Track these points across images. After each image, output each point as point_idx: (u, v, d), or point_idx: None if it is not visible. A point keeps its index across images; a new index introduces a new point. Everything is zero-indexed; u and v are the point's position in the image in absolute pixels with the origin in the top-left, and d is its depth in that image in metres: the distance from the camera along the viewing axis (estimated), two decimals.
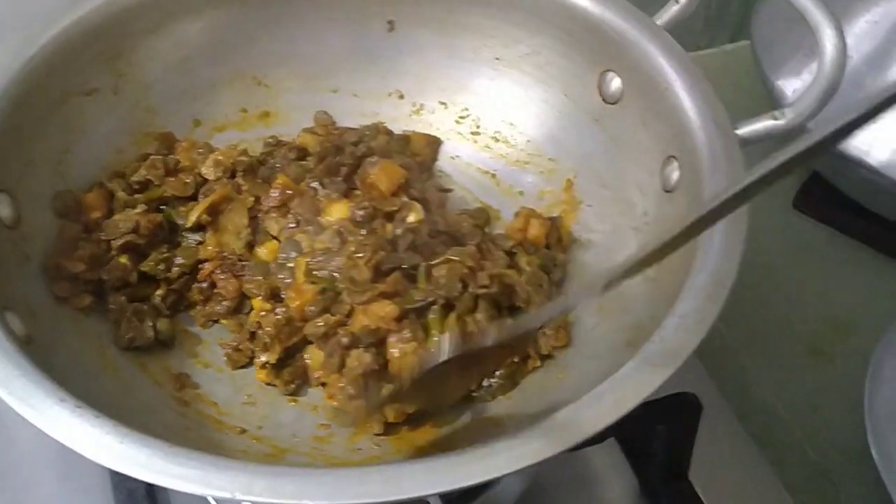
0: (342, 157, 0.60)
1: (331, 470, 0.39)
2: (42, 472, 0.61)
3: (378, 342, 0.53)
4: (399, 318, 0.53)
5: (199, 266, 0.58)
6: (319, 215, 0.57)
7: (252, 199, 0.59)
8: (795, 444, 0.71)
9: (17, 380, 0.41)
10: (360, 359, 0.52)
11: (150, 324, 0.55)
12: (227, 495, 0.37)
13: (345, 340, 0.52)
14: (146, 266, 0.57)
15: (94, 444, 0.39)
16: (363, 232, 0.55)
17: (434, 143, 0.67)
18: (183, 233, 0.59)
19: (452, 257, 0.55)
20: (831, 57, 0.53)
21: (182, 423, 0.50)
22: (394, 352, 0.52)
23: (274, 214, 0.58)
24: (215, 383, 0.55)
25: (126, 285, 0.56)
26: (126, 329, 0.55)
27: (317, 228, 0.56)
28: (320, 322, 0.53)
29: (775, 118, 0.54)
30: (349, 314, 0.53)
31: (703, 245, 0.48)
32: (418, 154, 0.65)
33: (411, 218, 0.57)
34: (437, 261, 0.55)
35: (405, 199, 0.58)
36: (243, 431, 0.52)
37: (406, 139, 0.66)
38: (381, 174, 0.58)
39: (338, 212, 0.57)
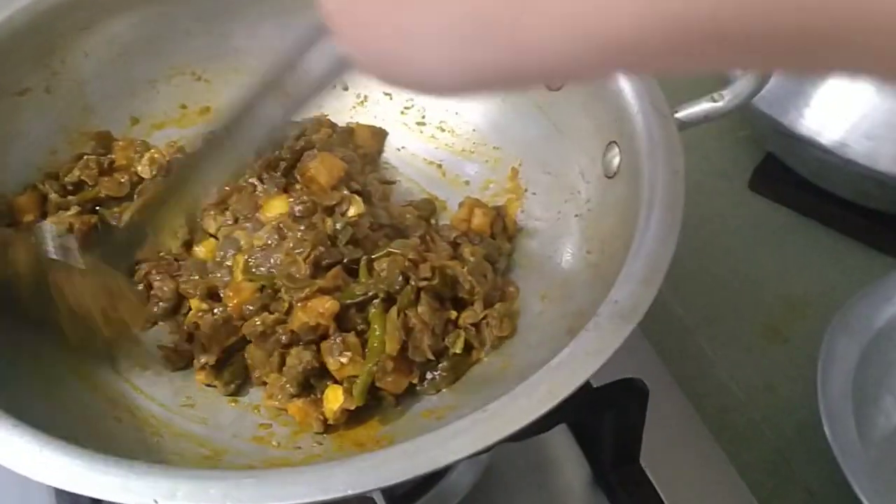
0: (281, 151, 0.59)
1: (256, 471, 0.39)
2: None
3: (318, 339, 0.52)
4: (339, 315, 0.52)
5: (136, 267, 0.57)
6: (258, 211, 0.56)
7: None
8: (751, 423, 0.71)
9: None
10: (300, 356, 0.52)
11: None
12: (148, 502, 0.36)
13: (284, 339, 0.52)
14: None
15: (12, 452, 0.38)
16: (302, 227, 0.55)
17: (379, 135, 0.66)
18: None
19: (394, 250, 0.55)
20: None
21: (118, 429, 0.49)
22: (331, 363, 0.52)
23: (212, 212, 0.57)
24: (153, 386, 0.54)
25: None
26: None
27: (255, 225, 0.56)
28: (258, 321, 0.53)
29: (714, 100, 0.54)
30: (288, 311, 0.53)
31: (639, 230, 0.48)
32: (362, 146, 0.65)
33: (352, 212, 0.56)
34: (378, 254, 0.55)
35: (345, 192, 0.57)
36: (181, 434, 0.51)
37: (350, 132, 0.65)
38: (320, 167, 0.58)
39: (276, 207, 0.56)
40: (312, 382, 0.52)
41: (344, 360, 0.51)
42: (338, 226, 0.55)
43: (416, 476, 0.38)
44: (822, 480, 0.68)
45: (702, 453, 0.63)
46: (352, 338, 0.52)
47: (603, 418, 0.57)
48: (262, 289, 0.54)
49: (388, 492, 0.51)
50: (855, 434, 0.64)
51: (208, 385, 0.54)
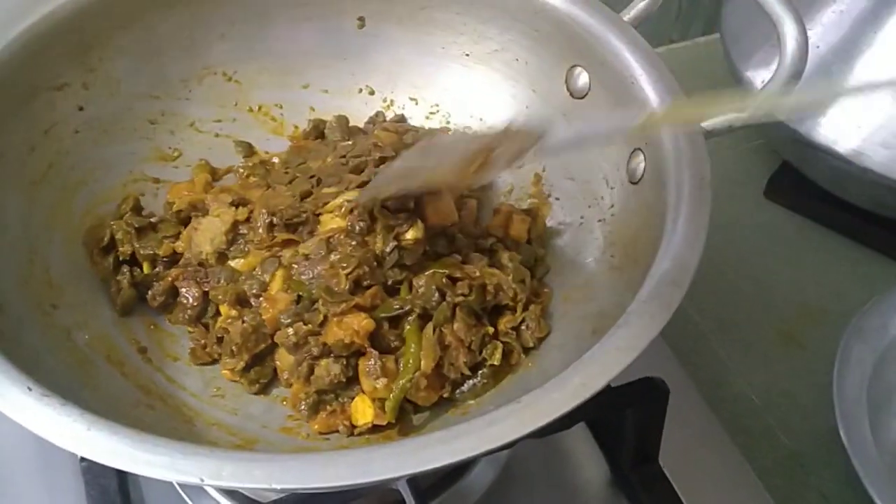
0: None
1: (298, 455, 0.39)
2: (15, 471, 0.61)
3: (350, 355, 0.53)
4: (374, 333, 0.53)
5: (162, 273, 0.58)
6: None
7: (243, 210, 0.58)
8: (767, 429, 0.72)
9: None
10: (329, 369, 0.52)
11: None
12: (195, 480, 0.37)
13: (315, 350, 0.52)
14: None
15: (61, 432, 0.39)
16: (353, 243, 0.54)
17: None
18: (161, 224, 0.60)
19: (438, 270, 0.55)
20: (792, 49, 0.54)
21: (152, 417, 0.50)
22: (366, 384, 0.52)
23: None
24: (184, 376, 0.55)
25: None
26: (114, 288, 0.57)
27: (307, 235, 0.56)
28: (291, 331, 0.53)
29: (738, 110, 0.55)
30: (322, 324, 0.53)
31: (667, 233, 0.49)
32: None
33: (409, 235, 0.55)
34: (421, 275, 0.55)
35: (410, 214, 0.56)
36: (212, 423, 0.52)
37: None
38: (433, 209, 0.56)
39: (334, 222, 0.56)
40: (338, 392, 0.53)
41: (380, 384, 0.52)
42: (387, 248, 0.55)
43: (454, 462, 0.39)
44: (837, 485, 0.68)
45: (719, 454, 0.64)
46: (390, 363, 0.52)
47: (623, 417, 0.58)
48: (298, 300, 0.54)
49: (414, 486, 0.52)
50: (870, 439, 0.65)
51: (233, 381, 0.55)
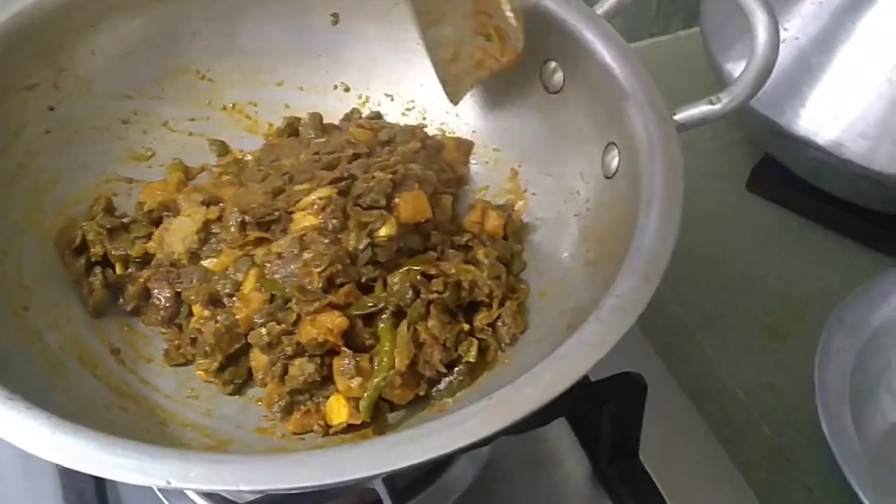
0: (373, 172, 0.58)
1: (267, 456, 0.39)
2: None
3: (324, 353, 0.52)
4: (348, 332, 0.52)
5: (134, 274, 0.58)
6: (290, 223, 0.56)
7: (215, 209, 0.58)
8: (751, 422, 0.72)
9: None
10: (303, 368, 0.52)
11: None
12: (162, 483, 0.37)
13: (289, 350, 0.52)
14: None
15: (26, 435, 0.39)
16: (326, 241, 0.54)
17: (464, 146, 0.65)
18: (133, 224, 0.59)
19: (413, 267, 0.55)
20: (763, 41, 0.54)
21: (124, 419, 0.50)
22: (341, 384, 0.52)
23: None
24: (158, 378, 0.55)
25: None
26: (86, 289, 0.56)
27: (280, 234, 0.55)
28: (265, 331, 0.52)
29: (711, 103, 0.55)
30: (296, 323, 0.53)
31: (639, 227, 0.49)
32: (451, 161, 0.64)
33: (383, 231, 0.55)
34: (396, 272, 0.55)
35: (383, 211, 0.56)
36: (186, 425, 0.52)
37: (439, 146, 0.65)
38: (406, 205, 0.56)
39: (307, 220, 0.55)
40: (313, 391, 0.53)
41: (354, 384, 0.51)
42: (361, 246, 0.54)
43: (426, 460, 0.39)
44: (820, 477, 0.68)
45: (701, 449, 0.64)
46: (365, 362, 0.52)
47: (601, 412, 0.58)
48: (271, 299, 0.53)
49: (390, 485, 0.51)
50: (853, 431, 0.65)
51: (207, 381, 0.55)
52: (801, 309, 0.79)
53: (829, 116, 0.74)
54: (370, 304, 0.53)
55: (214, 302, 0.55)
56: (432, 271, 0.55)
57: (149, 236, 0.58)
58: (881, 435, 0.69)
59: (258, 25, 0.65)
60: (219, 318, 0.54)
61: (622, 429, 0.58)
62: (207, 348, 0.54)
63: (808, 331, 0.75)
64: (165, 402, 0.53)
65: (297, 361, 0.52)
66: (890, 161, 0.72)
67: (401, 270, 0.54)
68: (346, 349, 0.52)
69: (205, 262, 0.57)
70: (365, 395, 0.51)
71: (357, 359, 0.52)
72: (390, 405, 0.53)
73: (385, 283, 0.54)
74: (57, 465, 0.56)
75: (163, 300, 0.57)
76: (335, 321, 0.52)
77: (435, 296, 0.54)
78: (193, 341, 0.55)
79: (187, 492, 0.58)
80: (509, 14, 0.59)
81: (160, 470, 0.38)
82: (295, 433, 0.53)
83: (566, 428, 0.62)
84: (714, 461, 0.63)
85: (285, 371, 0.53)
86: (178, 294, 0.57)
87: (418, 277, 0.54)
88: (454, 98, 0.63)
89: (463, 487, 0.59)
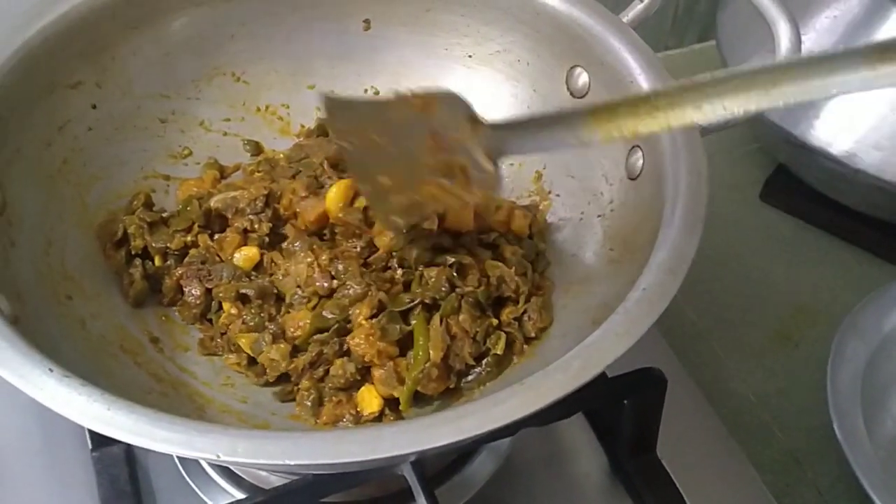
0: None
1: (311, 433, 0.41)
2: (26, 461, 0.62)
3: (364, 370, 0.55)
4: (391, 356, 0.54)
5: (172, 272, 0.59)
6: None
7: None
8: (764, 426, 0.73)
9: (7, 351, 0.42)
10: (345, 368, 0.54)
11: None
12: (211, 456, 0.39)
13: (330, 354, 0.55)
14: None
15: (81, 411, 0.40)
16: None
17: None
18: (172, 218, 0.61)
19: (451, 259, 0.57)
20: (786, 49, 0.56)
21: (165, 403, 0.51)
22: (382, 391, 0.54)
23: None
24: (195, 366, 0.56)
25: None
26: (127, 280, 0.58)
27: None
28: (314, 352, 0.55)
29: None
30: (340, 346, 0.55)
31: (664, 225, 0.50)
32: None
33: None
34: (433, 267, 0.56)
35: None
36: (224, 410, 0.53)
37: None
38: (453, 217, 0.58)
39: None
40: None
41: (396, 392, 0.53)
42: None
43: (462, 439, 0.40)
44: (833, 480, 0.70)
45: (718, 446, 0.65)
46: (402, 366, 0.54)
47: (621, 407, 0.59)
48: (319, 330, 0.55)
49: (420, 471, 0.53)
50: (864, 435, 0.66)
51: (240, 373, 0.57)
52: (813, 316, 0.81)
53: (843, 127, 0.76)
54: (407, 301, 0.55)
55: (242, 298, 0.57)
56: (466, 261, 0.56)
57: (188, 230, 0.60)
58: (892, 439, 0.70)
59: (293, 30, 0.67)
60: (244, 315, 0.56)
61: (641, 424, 0.59)
62: (233, 346, 0.56)
63: (820, 337, 0.76)
64: (203, 388, 0.55)
65: (339, 361, 0.54)
66: None
67: (437, 266, 0.56)
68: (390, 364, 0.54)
69: (237, 256, 0.59)
70: (404, 388, 0.53)
71: (396, 368, 0.54)
72: (423, 398, 0.55)
73: (422, 277, 0.56)
74: (91, 452, 0.58)
75: (194, 297, 0.58)
76: (387, 349, 0.54)
77: (470, 289, 0.55)
78: (223, 335, 0.57)
79: (215, 478, 0.59)
80: (479, 158, 0.51)
81: (210, 444, 0.39)
82: (326, 423, 0.54)
83: (584, 424, 0.64)
84: (730, 459, 0.65)
85: (326, 374, 0.55)
86: (208, 290, 0.58)
87: (454, 273, 0.56)
88: (390, 227, 0.55)
89: (484, 480, 0.60)
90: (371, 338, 0.53)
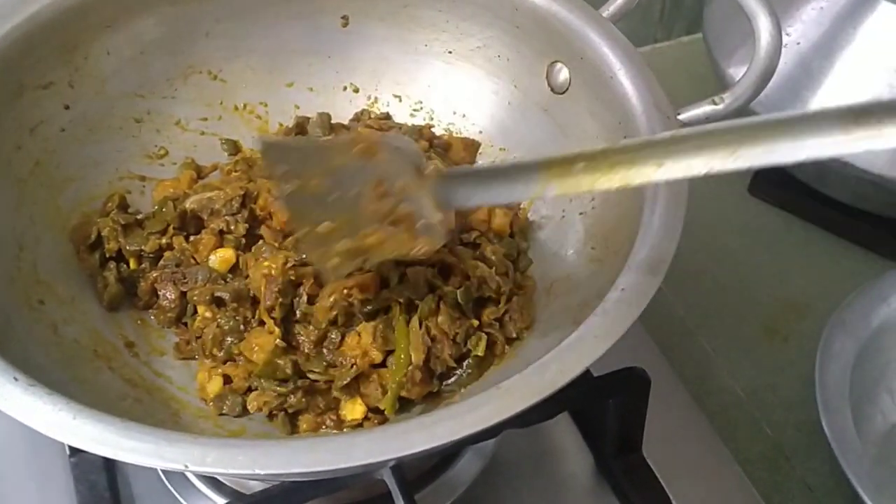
0: None
1: (282, 441, 0.40)
2: (4, 468, 0.62)
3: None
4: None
5: (147, 274, 0.59)
6: None
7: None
8: (752, 421, 0.73)
9: None
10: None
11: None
12: (179, 467, 0.38)
13: None
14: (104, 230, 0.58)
15: (47, 421, 0.40)
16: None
17: (472, 147, 0.66)
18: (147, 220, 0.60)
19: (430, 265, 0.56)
20: (766, 43, 0.55)
21: (139, 409, 0.51)
22: (370, 400, 0.53)
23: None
24: (171, 370, 0.56)
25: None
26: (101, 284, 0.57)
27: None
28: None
29: (714, 103, 0.56)
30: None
31: (644, 224, 0.50)
32: (458, 162, 0.65)
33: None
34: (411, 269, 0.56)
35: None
36: (199, 416, 0.52)
37: (446, 145, 0.66)
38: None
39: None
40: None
41: (382, 404, 0.53)
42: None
43: (436, 446, 0.39)
44: (821, 476, 0.69)
45: (703, 445, 0.65)
46: (386, 376, 0.53)
47: (606, 407, 0.58)
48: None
49: (399, 476, 0.52)
50: (853, 431, 0.66)
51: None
52: (802, 310, 0.80)
53: None
54: (384, 298, 0.54)
55: (217, 302, 0.56)
56: (450, 260, 0.56)
57: (163, 232, 0.59)
58: (881, 435, 0.70)
59: (269, 27, 0.66)
60: (219, 318, 0.55)
61: (625, 424, 0.59)
62: (206, 350, 0.55)
63: (809, 332, 0.76)
64: (178, 393, 0.54)
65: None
66: (890, 165, 0.73)
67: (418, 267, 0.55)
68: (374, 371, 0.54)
69: (213, 258, 0.58)
70: (388, 393, 0.52)
71: (381, 379, 0.53)
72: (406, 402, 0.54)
73: (402, 277, 0.55)
74: (69, 457, 0.58)
75: (168, 300, 0.57)
76: (375, 354, 0.53)
77: (449, 289, 0.55)
78: (198, 339, 0.56)
79: (196, 484, 0.59)
80: (427, 207, 0.50)
81: (177, 454, 0.38)
82: (306, 430, 0.53)
83: (570, 423, 0.63)
84: (716, 457, 0.64)
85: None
86: (183, 294, 0.58)
87: (436, 272, 0.55)
88: (328, 273, 0.52)
89: (469, 481, 0.60)
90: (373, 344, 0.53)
